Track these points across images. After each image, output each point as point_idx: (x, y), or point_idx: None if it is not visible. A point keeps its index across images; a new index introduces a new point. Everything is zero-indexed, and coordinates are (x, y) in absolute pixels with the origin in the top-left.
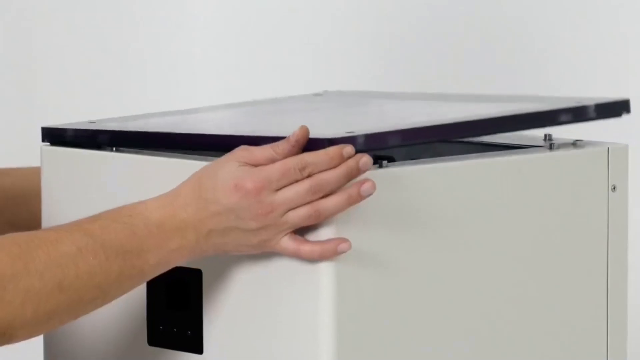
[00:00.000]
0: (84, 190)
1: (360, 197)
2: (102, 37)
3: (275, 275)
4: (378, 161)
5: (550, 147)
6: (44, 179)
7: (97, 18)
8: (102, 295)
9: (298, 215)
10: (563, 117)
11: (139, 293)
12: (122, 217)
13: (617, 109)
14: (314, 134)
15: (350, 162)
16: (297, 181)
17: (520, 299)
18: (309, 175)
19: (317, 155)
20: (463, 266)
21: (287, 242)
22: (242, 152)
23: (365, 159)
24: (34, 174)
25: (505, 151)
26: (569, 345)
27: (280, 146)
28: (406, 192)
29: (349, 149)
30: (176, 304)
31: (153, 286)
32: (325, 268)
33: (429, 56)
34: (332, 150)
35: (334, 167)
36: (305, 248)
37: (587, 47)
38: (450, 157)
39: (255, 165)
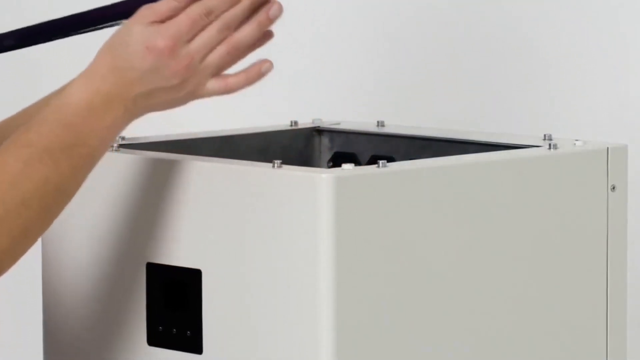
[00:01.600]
0: (84, 189)
1: (269, 21)
2: (102, 37)
3: (274, 276)
4: (377, 161)
5: (550, 147)
6: None
7: None
8: (64, 195)
9: (217, 56)
10: None
11: (139, 293)
12: (51, 115)
13: None
14: None
15: None
16: (205, 27)
17: (520, 299)
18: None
19: None
20: (462, 265)
21: (213, 84)
22: (145, 12)
23: None
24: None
25: (505, 151)
26: (569, 345)
27: None
28: (405, 192)
29: None
30: (175, 304)
31: (152, 287)
32: (325, 268)
33: (425, 48)
34: None
35: (237, 2)
36: (231, 80)
37: (587, 47)
38: (449, 156)
39: (162, 22)
